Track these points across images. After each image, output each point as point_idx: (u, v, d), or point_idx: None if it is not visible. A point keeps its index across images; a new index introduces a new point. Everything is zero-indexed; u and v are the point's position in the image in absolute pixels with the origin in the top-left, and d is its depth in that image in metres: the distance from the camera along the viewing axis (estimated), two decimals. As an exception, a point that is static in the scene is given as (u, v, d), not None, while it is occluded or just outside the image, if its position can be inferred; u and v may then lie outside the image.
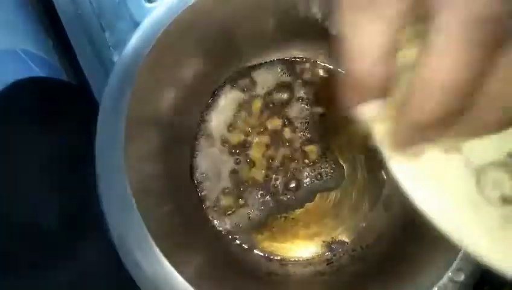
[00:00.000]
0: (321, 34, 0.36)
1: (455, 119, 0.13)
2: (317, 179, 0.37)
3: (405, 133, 0.15)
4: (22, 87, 0.38)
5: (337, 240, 0.36)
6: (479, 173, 0.15)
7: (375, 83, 0.14)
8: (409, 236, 0.31)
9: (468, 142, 0.15)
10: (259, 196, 0.37)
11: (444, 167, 0.15)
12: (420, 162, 0.15)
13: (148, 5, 0.39)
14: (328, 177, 0.37)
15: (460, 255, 0.26)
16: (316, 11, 0.35)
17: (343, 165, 0.37)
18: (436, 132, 0.14)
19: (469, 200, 0.15)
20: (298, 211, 0.37)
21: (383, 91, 0.14)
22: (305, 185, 0.37)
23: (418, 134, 0.14)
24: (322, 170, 0.37)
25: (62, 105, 0.41)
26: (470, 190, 0.15)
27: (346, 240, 0.36)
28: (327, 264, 0.35)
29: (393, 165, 0.15)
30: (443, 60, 0.12)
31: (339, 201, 0.37)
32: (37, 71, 0.40)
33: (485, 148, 0.15)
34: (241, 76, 0.39)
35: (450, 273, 0.25)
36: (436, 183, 0.15)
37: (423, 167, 0.15)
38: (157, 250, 0.26)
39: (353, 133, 0.35)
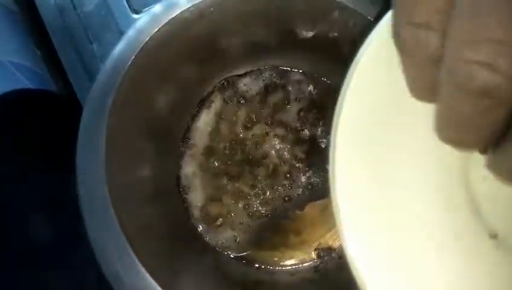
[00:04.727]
0: (310, 45, 0.36)
1: None
2: (307, 189, 0.37)
3: None
4: (10, 99, 0.38)
5: (324, 246, 0.36)
6: None
7: None
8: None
9: None
10: (246, 206, 0.37)
11: None
12: None
13: (135, 15, 0.39)
14: (320, 186, 0.37)
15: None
16: (305, 20, 0.35)
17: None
18: None
19: None
20: (286, 219, 0.36)
21: None
22: (295, 195, 0.37)
23: None
24: (313, 179, 0.37)
25: (51, 116, 0.41)
26: None
27: (334, 246, 0.36)
28: (315, 271, 0.35)
29: None
30: None
31: (326, 207, 0.37)
32: (25, 82, 0.40)
33: None
34: (228, 84, 0.39)
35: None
36: None
37: None
38: (138, 262, 0.26)
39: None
